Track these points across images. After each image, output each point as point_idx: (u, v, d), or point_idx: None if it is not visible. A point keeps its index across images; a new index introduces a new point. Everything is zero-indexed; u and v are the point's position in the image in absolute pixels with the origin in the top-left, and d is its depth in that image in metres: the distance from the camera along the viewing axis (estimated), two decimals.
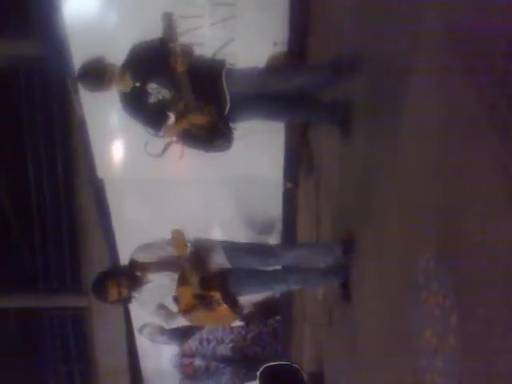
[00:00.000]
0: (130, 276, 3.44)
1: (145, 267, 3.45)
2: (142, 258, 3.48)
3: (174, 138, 3.48)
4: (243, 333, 6.69)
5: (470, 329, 1.94)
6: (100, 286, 3.45)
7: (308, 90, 3.59)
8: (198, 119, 3.33)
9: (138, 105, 3.40)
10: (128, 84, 3.38)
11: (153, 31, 3.33)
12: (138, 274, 3.45)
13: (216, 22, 4.64)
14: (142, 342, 6.93)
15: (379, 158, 2.99)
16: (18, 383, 7.34)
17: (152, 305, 3.55)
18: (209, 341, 6.79)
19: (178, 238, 3.35)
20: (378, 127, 3.03)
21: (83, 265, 6.58)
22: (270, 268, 3.75)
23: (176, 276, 3.40)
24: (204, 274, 3.39)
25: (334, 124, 3.64)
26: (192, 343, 6.79)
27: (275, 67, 4.20)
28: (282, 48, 4.60)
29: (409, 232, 2.58)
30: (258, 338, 6.66)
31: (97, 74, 3.38)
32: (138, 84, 3.35)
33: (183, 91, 3.25)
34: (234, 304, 3.50)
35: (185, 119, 3.33)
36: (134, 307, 6.40)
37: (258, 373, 4.86)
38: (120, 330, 7.07)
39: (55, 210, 6.40)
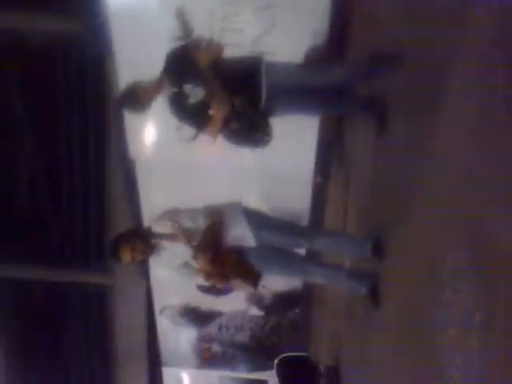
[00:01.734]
0: (146, 241, 3.43)
1: (160, 236, 3.43)
2: (160, 226, 3.46)
3: (217, 137, 3.53)
4: (262, 322, 6.73)
5: (493, 329, 1.93)
6: (114, 247, 3.45)
7: (346, 82, 3.56)
8: (226, 111, 3.38)
9: (180, 108, 3.51)
10: (168, 89, 3.49)
11: (194, 16, 3.37)
12: (154, 241, 3.44)
13: (256, 8, 4.63)
14: (162, 323, 7.01)
15: (414, 155, 2.96)
16: (38, 356, 7.49)
17: (169, 267, 3.55)
18: (228, 327, 6.85)
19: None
20: (415, 124, 3.00)
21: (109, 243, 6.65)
22: (296, 252, 3.69)
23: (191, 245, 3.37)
24: (219, 249, 3.34)
25: (370, 119, 3.62)
26: (211, 328, 6.86)
27: (314, 59, 4.19)
28: (321, 37, 4.56)
29: (438, 232, 2.56)
30: (276, 328, 6.69)
31: (132, 100, 3.55)
32: (175, 89, 3.46)
33: (209, 86, 3.34)
34: (252, 282, 3.44)
35: (220, 114, 3.38)
36: (156, 287, 6.53)
37: (276, 362, 4.89)
38: (141, 309, 7.16)
39: (85, 187, 6.48)
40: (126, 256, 3.41)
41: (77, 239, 6.86)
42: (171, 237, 3.41)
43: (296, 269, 3.64)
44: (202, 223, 3.41)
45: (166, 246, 3.44)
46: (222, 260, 3.34)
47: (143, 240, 3.43)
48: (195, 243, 3.36)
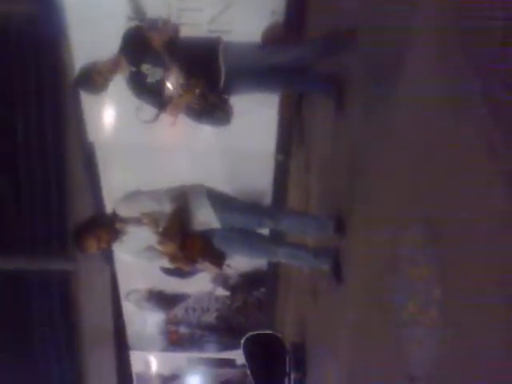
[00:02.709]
0: (110, 229, 3.36)
1: (125, 220, 3.36)
2: (124, 210, 3.39)
3: (178, 115, 3.50)
4: (228, 302, 6.76)
5: (452, 303, 1.97)
6: (78, 238, 3.36)
7: (304, 62, 3.57)
8: (187, 93, 3.37)
9: (138, 87, 3.49)
10: (126, 69, 3.46)
11: None
12: (118, 226, 3.36)
13: None
14: (128, 308, 6.98)
15: (372, 132, 3.00)
16: (3, 346, 7.38)
17: (133, 251, 3.49)
18: (194, 309, 6.87)
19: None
20: (373, 101, 3.02)
21: (72, 225, 6.55)
22: (261, 233, 3.71)
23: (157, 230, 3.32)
24: (186, 234, 3.32)
25: (329, 97, 3.65)
26: (178, 311, 6.87)
27: (271, 39, 4.18)
28: (279, 17, 4.55)
29: (397, 208, 2.60)
30: (242, 308, 6.74)
31: (87, 82, 3.50)
32: (133, 68, 3.43)
33: (168, 67, 3.32)
34: (217, 263, 3.43)
35: (179, 94, 3.37)
36: (120, 271, 6.48)
37: (242, 341, 4.93)
38: (106, 295, 7.11)
39: (44, 171, 6.35)
40: (92, 247, 3.34)
41: (38, 226, 6.74)
42: (136, 221, 3.35)
43: (260, 249, 3.64)
44: (166, 206, 3.36)
45: (129, 231, 3.38)
46: (188, 245, 3.32)
47: (108, 228, 3.36)
48: (160, 228, 3.31)
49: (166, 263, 3.47)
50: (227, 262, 3.53)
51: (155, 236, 3.32)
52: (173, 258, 3.36)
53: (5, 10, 5.46)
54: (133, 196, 3.45)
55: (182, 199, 3.39)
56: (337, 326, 3.59)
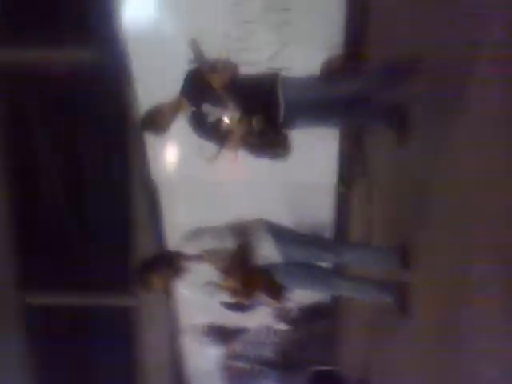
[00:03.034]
0: (173, 267, 3.42)
1: (188, 258, 3.42)
2: (187, 247, 3.46)
3: (238, 152, 3.60)
4: (288, 337, 6.68)
5: None
6: (142, 278, 3.42)
7: (364, 94, 3.58)
8: (245, 130, 3.45)
9: (199, 126, 3.60)
10: (187, 109, 3.58)
11: (209, 38, 3.46)
12: (182, 263, 3.42)
13: (271, 26, 4.68)
14: (189, 343, 7.01)
15: (435, 166, 2.97)
16: (65, 380, 7.52)
17: (194, 287, 3.53)
18: (254, 344, 6.81)
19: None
20: (436, 135, 3.00)
21: (133, 264, 6.69)
22: (322, 266, 3.68)
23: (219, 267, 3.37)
24: (248, 270, 3.35)
25: (391, 128, 3.63)
26: (237, 345, 6.83)
27: (331, 71, 4.23)
28: (338, 52, 4.59)
29: (463, 240, 2.56)
30: (303, 342, 6.65)
31: (151, 124, 3.63)
32: (194, 108, 3.55)
33: (228, 106, 3.41)
34: (278, 297, 3.45)
35: (238, 132, 3.45)
36: (181, 306, 6.54)
37: (306, 378, 4.87)
38: (166, 329, 7.17)
39: (109, 209, 6.55)
40: (155, 284, 3.41)
41: (102, 262, 6.92)
42: (198, 258, 3.42)
43: (322, 283, 3.62)
44: (228, 243, 3.41)
45: (192, 267, 3.45)
46: (250, 281, 3.35)
47: (171, 265, 3.43)
48: (222, 265, 3.36)
49: (227, 298, 3.51)
50: (288, 295, 3.54)
51: (217, 272, 3.37)
52: (233, 292, 3.39)
53: (72, 59, 5.76)
54: (195, 233, 3.52)
55: (243, 235, 3.43)
56: (402, 363, 3.51)
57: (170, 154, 5.30)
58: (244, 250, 3.39)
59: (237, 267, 3.33)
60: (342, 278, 3.73)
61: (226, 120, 3.48)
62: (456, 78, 2.67)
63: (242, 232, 3.45)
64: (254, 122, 3.45)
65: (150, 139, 5.02)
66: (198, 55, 3.41)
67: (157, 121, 3.60)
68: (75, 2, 5.41)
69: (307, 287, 3.76)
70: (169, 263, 3.44)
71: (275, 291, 3.45)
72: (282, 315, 6.56)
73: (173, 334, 7.09)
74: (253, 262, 3.40)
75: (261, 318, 6.43)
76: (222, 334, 6.93)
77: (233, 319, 6.55)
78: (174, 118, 3.62)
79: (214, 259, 3.38)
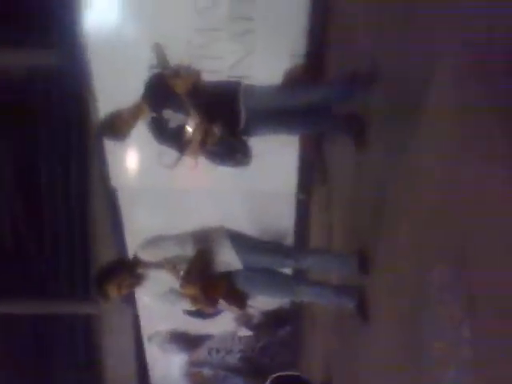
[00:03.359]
0: (132, 274, 3.38)
1: (147, 265, 3.38)
2: (146, 255, 3.41)
3: (198, 158, 3.59)
4: (252, 343, 6.68)
5: (482, 341, 1.95)
6: (99, 285, 3.37)
7: (324, 103, 3.62)
8: (206, 137, 3.45)
9: (159, 132, 3.57)
10: (148, 114, 3.55)
11: (171, 45, 3.45)
12: (140, 271, 3.39)
13: (234, 35, 4.70)
14: (152, 350, 6.94)
15: (393, 171, 3.02)
16: None
17: (154, 294, 3.51)
18: (217, 350, 6.78)
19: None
20: (393, 141, 3.05)
21: (94, 273, 6.61)
22: (283, 272, 3.69)
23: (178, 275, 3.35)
24: (208, 277, 3.33)
25: (349, 136, 3.67)
26: (201, 352, 6.79)
27: (292, 81, 4.26)
28: (299, 61, 4.64)
29: (423, 244, 2.59)
30: (267, 348, 6.65)
31: (111, 129, 3.60)
32: (154, 114, 3.52)
33: (189, 112, 3.40)
34: (240, 304, 3.46)
35: (198, 138, 3.45)
36: (142, 314, 6.48)
37: (268, 382, 4.86)
38: (129, 338, 7.09)
39: (68, 216, 6.45)
40: (113, 293, 3.36)
41: (62, 270, 6.81)
42: (157, 265, 3.38)
43: (283, 290, 3.64)
44: (188, 250, 3.39)
45: (151, 275, 3.41)
46: (210, 287, 3.33)
47: (129, 274, 3.38)
48: (182, 272, 3.33)
49: (188, 305, 3.48)
50: (250, 302, 3.54)
51: (177, 280, 3.34)
52: (194, 300, 3.37)
53: (30, 63, 5.66)
54: (155, 241, 3.49)
55: (204, 242, 3.41)
56: (364, 366, 3.54)
57: (130, 160, 5.25)
58: (203, 256, 3.37)
59: (196, 274, 3.30)
60: (302, 283, 3.74)
61: (188, 127, 3.46)
62: (415, 87, 2.72)
63: (203, 239, 3.43)
64: (214, 129, 3.45)
65: (109, 145, 4.97)
66: (162, 60, 3.38)
67: (116, 126, 3.56)
68: (38, 3, 5.32)
69: (269, 294, 3.79)
70: (125, 271, 3.39)
71: (237, 298, 3.46)
72: (245, 321, 6.56)
73: (136, 341, 7.01)
74: (213, 268, 3.39)
75: (224, 324, 6.41)
76: (185, 341, 6.89)
77: (196, 326, 6.51)
78: (135, 124, 3.59)
79: (173, 266, 3.35)
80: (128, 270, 3.40)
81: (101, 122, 3.74)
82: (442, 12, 2.40)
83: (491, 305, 1.91)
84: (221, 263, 3.41)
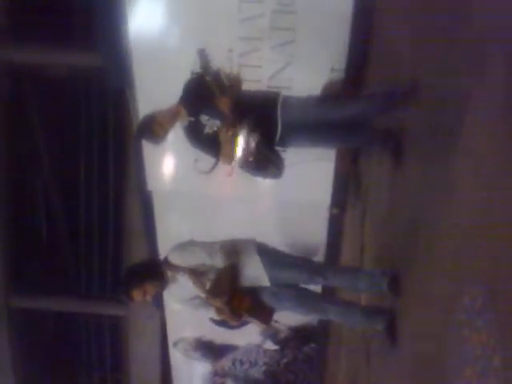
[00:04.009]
0: (158, 279, 3.39)
1: (176, 269, 3.38)
2: (176, 258, 3.41)
3: (232, 165, 3.57)
4: (277, 357, 6.59)
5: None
6: (126, 289, 3.40)
7: (362, 117, 3.58)
8: (242, 149, 3.43)
9: (195, 136, 3.58)
10: (185, 118, 3.55)
11: (213, 52, 3.46)
12: (169, 273, 3.39)
13: (275, 45, 4.69)
14: (176, 357, 6.94)
15: (430, 188, 2.94)
16: None
17: (180, 298, 3.51)
18: (242, 362, 6.72)
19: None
20: (430, 161, 2.98)
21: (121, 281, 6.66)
22: (311, 290, 3.64)
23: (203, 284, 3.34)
24: (234, 291, 3.30)
25: (386, 153, 3.62)
26: (225, 363, 6.74)
27: (331, 94, 4.23)
28: (338, 75, 4.61)
29: (455, 269, 2.52)
30: (291, 364, 6.56)
31: (149, 131, 3.58)
32: (192, 118, 3.53)
33: (226, 119, 3.40)
34: (264, 319, 3.42)
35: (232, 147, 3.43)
36: (170, 319, 6.48)
37: None
38: (155, 342, 7.12)
39: (103, 217, 6.54)
40: (138, 297, 3.38)
41: (93, 270, 6.89)
42: (186, 271, 3.37)
43: (310, 307, 3.58)
44: (218, 261, 3.37)
45: (179, 279, 3.40)
46: (236, 301, 3.31)
47: (156, 278, 3.39)
48: (208, 283, 3.32)
49: (213, 314, 3.46)
50: (275, 317, 3.48)
51: (200, 289, 3.33)
52: (219, 311, 3.35)
53: (74, 63, 5.79)
54: (186, 246, 3.49)
55: (234, 255, 3.38)
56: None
57: (167, 164, 5.29)
58: (232, 270, 3.34)
59: (223, 288, 3.29)
60: (330, 302, 3.68)
61: (224, 135, 3.46)
62: (454, 105, 2.65)
63: (233, 250, 3.41)
64: (250, 139, 3.43)
65: (147, 148, 5.01)
66: (205, 65, 3.38)
67: (154, 128, 3.56)
68: (84, 6, 5.45)
69: (295, 310, 3.70)
70: (151, 277, 3.40)
71: (262, 313, 3.42)
72: (272, 335, 6.50)
73: (162, 346, 7.03)
74: (240, 282, 3.36)
75: (250, 336, 6.37)
76: (210, 350, 6.86)
77: (222, 336, 6.49)
78: (172, 127, 3.59)
79: (200, 274, 3.34)
80: (155, 272, 3.41)
81: (139, 124, 3.76)
82: (485, 31, 2.34)
83: None
84: (248, 277, 3.38)
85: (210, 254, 3.39)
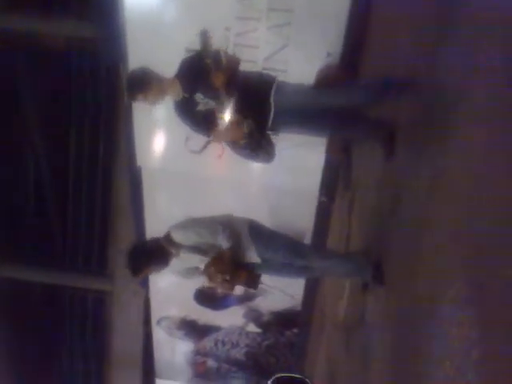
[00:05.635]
0: (164, 260, 3.48)
1: (180, 247, 3.47)
2: (179, 236, 3.49)
3: (223, 144, 3.59)
4: (259, 340, 6.66)
5: (490, 365, 1.88)
6: (133, 266, 3.47)
7: (355, 106, 3.55)
8: (235, 132, 3.41)
9: (187, 112, 3.52)
10: (179, 93, 3.49)
11: (209, 30, 3.39)
12: (172, 251, 3.47)
13: (272, 26, 4.64)
14: (159, 334, 6.96)
15: (419, 182, 2.93)
16: (33, 355, 7.48)
17: (173, 270, 3.60)
18: (224, 343, 6.78)
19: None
20: (422, 152, 2.97)
21: (111, 249, 6.68)
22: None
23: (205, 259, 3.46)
24: (234, 270, 3.44)
25: (378, 142, 3.59)
26: (207, 343, 6.80)
27: (325, 80, 4.19)
28: (334, 59, 4.57)
29: (441, 263, 2.52)
30: (273, 347, 6.62)
31: (142, 85, 3.40)
32: (186, 95, 3.47)
33: (221, 100, 3.35)
34: (254, 285, 3.58)
35: (225, 128, 3.41)
36: (155, 297, 6.50)
37: (269, 382, 4.81)
38: (138, 318, 7.13)
39: (91, 191, 6.50)
40: (145, 273, 3.54)
41: (80, 244, 6.87)
42: (189, 249, 3.47)
43: (297, 256, 3.65)
44: (219, 241, 3.46)
45: (181, 256, 3.49)
46: (234, 277, 3.45)
47: (162, 262, 3.49)
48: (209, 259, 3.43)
49: (205, 281, 3.57)
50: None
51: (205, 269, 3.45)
52: (212, 279, 3.46)
53: (66, 34, 5.70)
54: (190, 224, 3.56)
55: (234, 237, 3.47)
56: (370, 377, 3.48)
57: (158, 141, 5.25)
58: (233, 252, 3.45)
59: (226, 267, 3.42)
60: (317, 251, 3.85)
61: (218, 115, 3.41)
62: (448, 98, 2.63)
63: (233, 234, 3.48)
64: (243, 123, 3.40)
65: (138, 124, 4.97)
66: (205, 46, 3.31)
67: (150, 85, 3.38)
68: None
69: (282, 276, 3.95)
70: (159, 257, 3.49)
71: (252, 280, 3.56)
72: (255, 317, 6.53)
73: (145, 322, 7.05)
74: (237, 259, 3.49)
75: (233, 318, 6.40)
76: (193, 329, 6.90)
77: (206, 316, 6.52)
78: (161, 97, 3.47)
79: (204, 253, 3.45)
80: (161, 255, 3.49)
81: (131, 76, 3.53)
82: (485, 25, 2.32)
83: (504, 330, 1.83)
84: (243, 256, 3.51)
85: (212, 234, 3.48)
